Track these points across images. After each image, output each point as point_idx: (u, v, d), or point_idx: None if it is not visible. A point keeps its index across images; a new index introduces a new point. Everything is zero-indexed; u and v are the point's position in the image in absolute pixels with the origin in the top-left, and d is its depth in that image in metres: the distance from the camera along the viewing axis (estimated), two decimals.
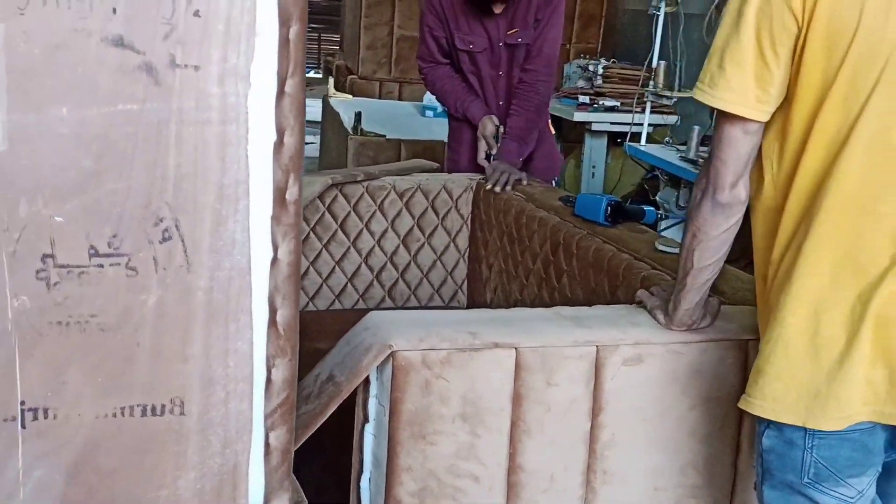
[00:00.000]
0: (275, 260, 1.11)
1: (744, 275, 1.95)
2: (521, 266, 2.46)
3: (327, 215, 2.68)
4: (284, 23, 1.05)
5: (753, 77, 1.30)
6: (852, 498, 1.32)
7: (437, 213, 2.78)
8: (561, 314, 1.61)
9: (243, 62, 1.05)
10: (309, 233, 2.68)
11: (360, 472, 1.58)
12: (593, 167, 5.01)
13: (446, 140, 3.16)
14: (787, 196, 1.34)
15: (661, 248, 2.04)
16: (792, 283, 1.31)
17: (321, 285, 2.72)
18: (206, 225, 1.08)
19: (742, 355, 1.57)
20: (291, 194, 1.10)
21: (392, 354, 1.44)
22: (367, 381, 1.53)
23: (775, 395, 1.31)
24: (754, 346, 1.56)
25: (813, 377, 1.28)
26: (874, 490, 1.34)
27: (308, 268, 2.70)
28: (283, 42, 1.05)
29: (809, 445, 1.31)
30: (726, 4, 1.34)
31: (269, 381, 1.13)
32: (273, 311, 1.12)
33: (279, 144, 1.08)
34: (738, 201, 1.38)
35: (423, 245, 2.78)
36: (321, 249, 2.70)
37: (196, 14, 1.02)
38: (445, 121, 3.19)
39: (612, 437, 1.55)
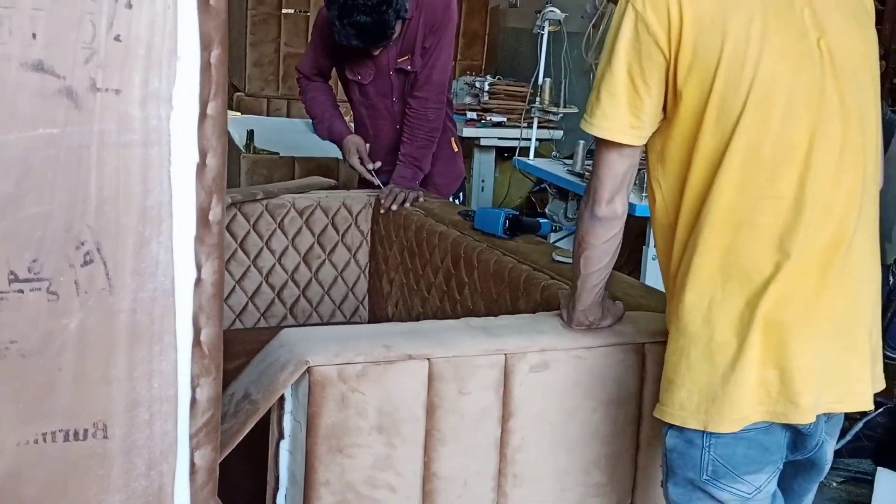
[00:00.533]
0: (199, 280, 1.12)
1: (635, 281, 2.06)
2: (423, 280, 2.52)
3: (227, 235, 2.67)
4: (206, 47, 1.07)
5: (627, 106, 1.42)
6: (749, 494, 1.40)
7: (337, 230, 2.80)
8: (470, 324, 1.67)
9: (165, 85, 1.06)
10: None
11: (276, 489, 1.59)
12: (483, 181, 5.13)
13: (339, 157, 3.16)
14: (677, 212, 1.45)
15: (557, 258, 2.14)
16: (685, 294, 1.41)
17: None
18: (129, 247, 1.08)
19: (639, 358, 1.67)
20: (214, 215, 1.11)
21: (308, 370, 1.47)
22: (281, 398, 1.55)
23: (682, 402, 1.40)
24: (651, 349, 1.67)
25: (710, 382, 1.38)
26: (774, 485, 1.43)
27: None
28: (205, 66, 1.07)
29: (707, 444, 1.39)
30: (606, 40, 1.46)
31: (193, 400, 1.14)
32: (197, 331, 1.13)
33: (202, 166, 1.10)
34: (615, 215, 1.50)
35: (323, 262, 2.80)
36: None
37: (117, 38, 1.03)
38: None
39: (522, 442, 1.61)
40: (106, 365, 1.09)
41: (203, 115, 1.09)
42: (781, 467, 1.44)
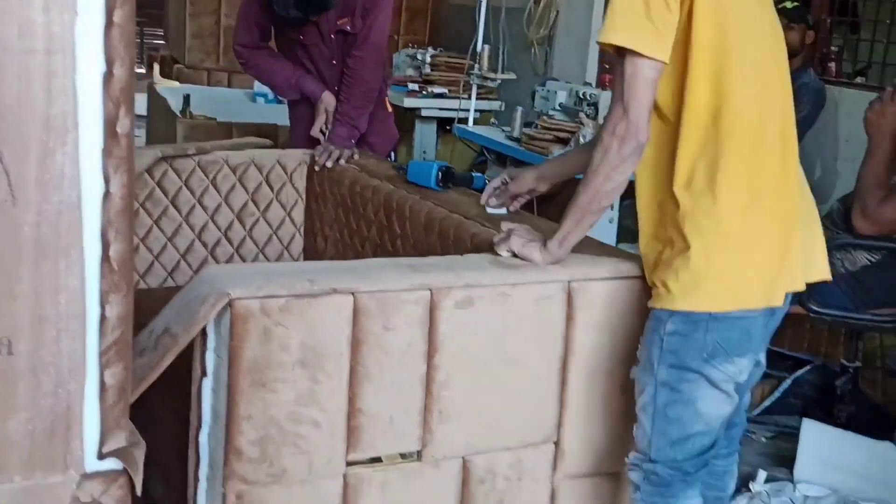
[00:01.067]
0: (107, 194, 1.10)
1: (551, 222, 2.07)
2: (357, 235, 2.51)
3: (157, 190, 2.62)
4: None
5: (663, 24, 1.49)
6: (732, 375, 1.59)
7: (271, 188, 2.77)
8: (398, 262, 1.67)
9: None
10: (138, 208, 2.60)
11: (199, 427, 1.57)
12: (424, 152, 5.12)
13: (279, 123, 3.13)
14: (678, 130, 1.56)
15: (490, 210, 2.14)
16: (718, 198, 1.54)
17: (153, 262, 2.65)
18: (32, 158, 1.06)
19: (565, 296, 1.68)
20: (123, 127, 1.09)
21: (230, 303, 1.45)
22: (203, 335, 1.53)
23: (697, 290, 1.55)
24: (577, 287, 1.68)
25: (730, 270, 1.55)
26: (745, 377, 1.63)
27: (138, 245, 2.63)
28: None
29: (710, 328, 1.55)
30: None
31: (103, 317, 1.12)
32: (106, 246, 1.11)
33: (109, 76, 1.07)
34: (647, 141, 1.55)
35: (258, 220, 2.76)
36: (152, 225, 2.63)
37: None
38: (277, 106, 3.18)
39: (448, 378, 1.61)
40: (10, 280, 1.07)
41: (109, 23, 1.06)
42: (756, 360, 1.64)
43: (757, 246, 1.57)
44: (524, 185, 1.98)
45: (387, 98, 3.13)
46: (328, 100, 2.85)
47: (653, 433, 1.63)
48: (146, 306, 2.10)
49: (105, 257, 1.11)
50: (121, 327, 1.13)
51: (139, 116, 5.57)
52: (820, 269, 1.71)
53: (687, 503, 1.66)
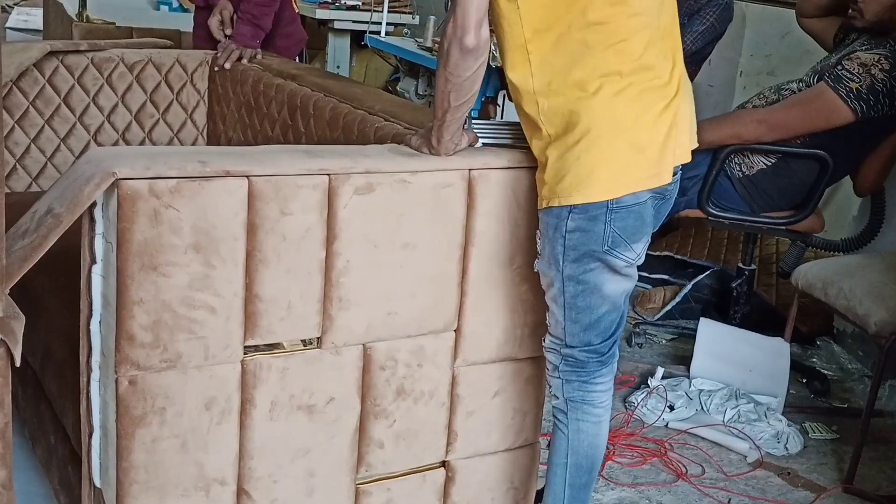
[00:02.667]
0: None
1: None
2: (261, 135, 2.45)
3: (48, 88, 2.50)
4: None
5: None
6: (632, 259, 1.66)
7: (171, 88, 2.68)
8: (294, 149, 1.63)
9: None
10: (28, 107, 2.48)
11: (90, 315, 1.53)
12: (338, 67, 5.01)
13: (181, 29, 3.02)
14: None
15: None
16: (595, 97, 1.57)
17: (45, 164, 2.55)
18: None
19: (465, 184, 1.68)
20: None
21: (116, 183, 1.40)
22: (92, 220, 1.48)
23: (590, 184, 1.58)
24: (478, 176, 1.68)
25: (619, 161, 1.59)
26: (643, 259, 1.69)
27: (29, 145, 2.52)
28: None
29: (609, 220, 1.61)
30: None
31: None
32: None
33: None
34: (484, 43, 1.54)
35: (157, 122, 2.67)
36: (43, 125, 2.52)
37: None
38: (181, 14, 3.06)
39: (347, 265, 1.60)
40: None
41: None
42: (650, 239, 1.70)
43: (640, 127, 1.60)
44: None
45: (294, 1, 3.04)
46: (225, 6, 2.75)
47: (566, 322, 1.71)
48: None
49: None
50: None
51: (34, 31, 5.32)
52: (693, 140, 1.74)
53: (601, 380, 1.77)
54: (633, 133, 1.60)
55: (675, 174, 1.68)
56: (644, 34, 1.60)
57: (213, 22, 2.73)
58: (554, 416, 1.81)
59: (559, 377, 1.77)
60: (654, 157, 1.62)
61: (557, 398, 1.79)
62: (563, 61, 1.59)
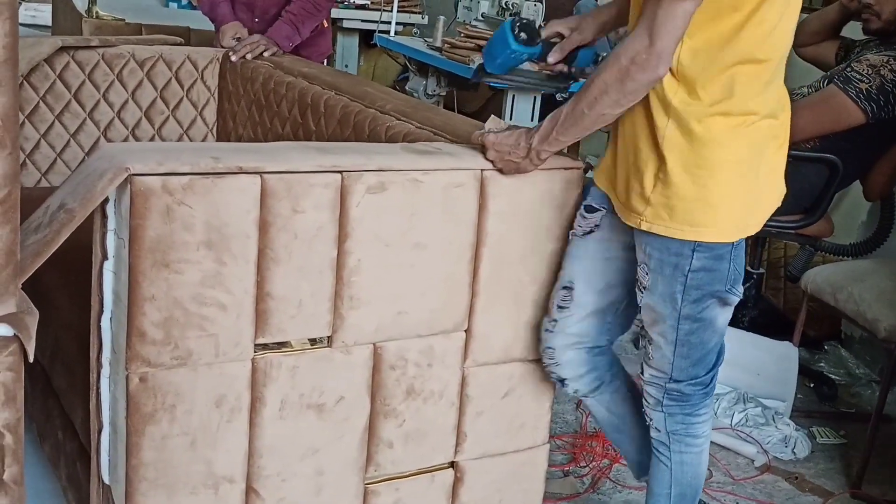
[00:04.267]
0: None
1: (478, 122, 2.05)
2: (271, 133, 2.44)
3: (59, 83, 2.50)
4: None
5: None
6: (740, 294, 1.64)
7: (181, 85, 2.67)
8: (305, 146, 1.63)
9: None
10: (38, 102, 2.48)
11: (101, 312, 1.53)
12: (346, 66, 5.02)
13: (192, 27, 3.02)
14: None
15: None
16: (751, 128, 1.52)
17: (55, 160, 2.55)
18: None
19: (478, 184, 1.67)
20: None
21: (129, 179, 1.39)
22: (104, 216, 1.47)
23: (721, 221, 1.54)
24: (490, 177, 1.67)
25: (745, 200, 1.56)
26: None
27: (39, 140, 2.52)
28: None
29: (733, 257, 1.58)
30: None
31: None
32: None
33: None
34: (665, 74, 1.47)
35: (167, 118, 2.67)
36: (53, 121, 2.52)
37: None
38: (190, 12, 3.06)
39: (358, 264, 1.60)
40: None
41: None
42: None
43: (755, 168, 1.56)
44: (587, 33, 1.83)
45: (328, 17, 3.06)
46: (227, 31, 2.75)
47: (675, 357, 1.66)
48: None
49: None
50: (7, 187, 1.07)
51: (43, 27, 5.32)
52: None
53: (703, 412, 1.74)
54: (764, 165, 1.57)
55: None
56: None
57: (229, 43, 2.73)
58: (654, 448, 1.77)
59: (662, 411, 1.72)
60: (772, 197, 1.63)
61: (659, 431, 1.74)
62: (744, 90, 1.53)
